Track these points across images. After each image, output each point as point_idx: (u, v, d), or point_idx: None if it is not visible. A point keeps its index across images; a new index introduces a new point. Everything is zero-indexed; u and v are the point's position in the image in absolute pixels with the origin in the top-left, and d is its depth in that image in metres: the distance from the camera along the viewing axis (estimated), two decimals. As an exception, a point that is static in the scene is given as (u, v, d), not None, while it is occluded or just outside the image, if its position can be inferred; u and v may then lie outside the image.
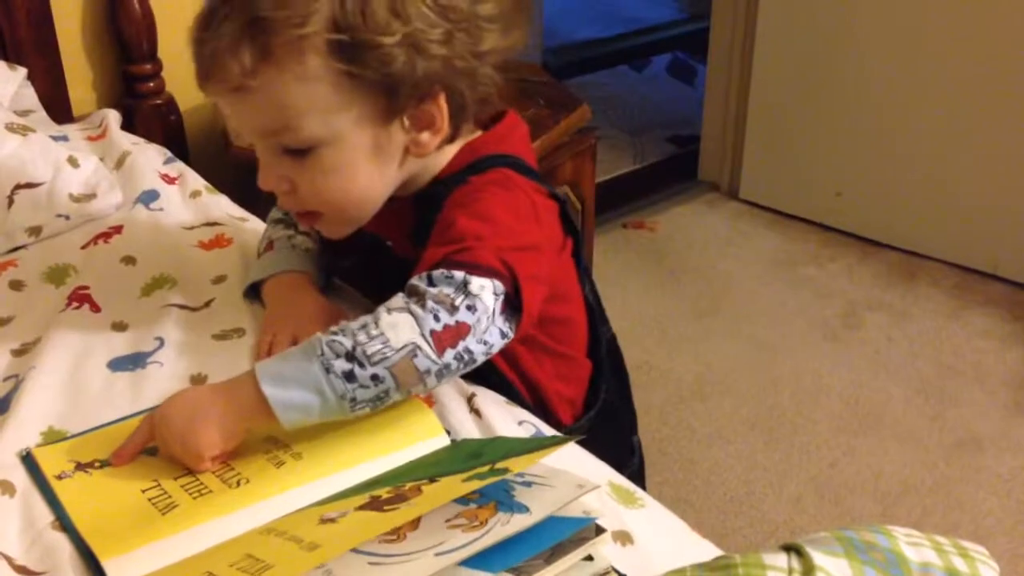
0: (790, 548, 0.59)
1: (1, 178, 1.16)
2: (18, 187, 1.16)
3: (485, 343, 0.76)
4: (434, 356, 0.73)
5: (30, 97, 1.43)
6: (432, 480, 0.67)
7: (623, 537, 0.71)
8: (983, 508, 1.59)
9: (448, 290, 0.74)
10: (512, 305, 0.78)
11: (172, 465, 0.75)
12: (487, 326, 0.76)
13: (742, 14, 2.43)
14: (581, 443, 0.79)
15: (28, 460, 0.77)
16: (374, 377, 0.72)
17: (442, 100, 0.81)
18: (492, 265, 0.77)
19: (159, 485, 0.73)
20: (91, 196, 1.21)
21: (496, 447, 0.73)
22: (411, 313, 0.73)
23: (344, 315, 0.92)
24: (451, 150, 0.88)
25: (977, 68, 2.09)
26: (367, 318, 0.74)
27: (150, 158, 1.35)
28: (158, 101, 1.63)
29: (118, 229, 1.18)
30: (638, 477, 1.07)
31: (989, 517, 1.57)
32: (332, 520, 0.65)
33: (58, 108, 1.50)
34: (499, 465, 0.65)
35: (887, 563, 0.58)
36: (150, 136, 1.48)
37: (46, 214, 1.18)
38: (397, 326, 0.73)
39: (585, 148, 1.71)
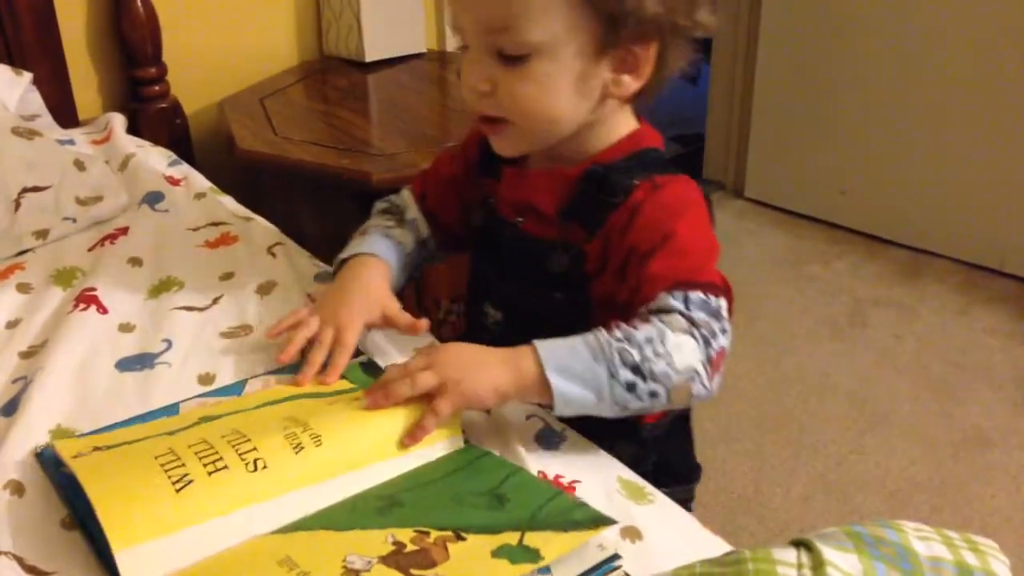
0: (800, 543, 0.59)
1: (8, 182, 1.16)
2: (25, 191, 1.17)
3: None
4: (708, 384, 0.77)
5: (36, 101, 1.43)
6: (458, 535, 0.67)
7: (632, 533, 0.71)
8: (992, 505, 1.58)
9: (705, 315, 0.77)
10: None
11: (187, 435, 0.75)
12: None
13: (745, 13, 2.43)
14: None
15: (43, 455, 0.77)
16: (652, 393, 0.75)
17: (653, 49, 0.83)
18: (720, 283, 0.80)
19: (172, 451, 0.71)
20: (97, 199, 1.22)
21: (518, 489, 0.72)
22: (694, 338, 0.76)
23: (395, 313, 0.92)
24: (620, 128, 0.88)
25: (981, 65, 2.09)
26: (652, 331, 0.76)
27: (155, 160, 1.36)
28: (163, 105, 1.63)
29: (124, 231, 1.18)
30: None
31: (998, 514, 1.57)
32: (356, 573, 0.63)
33: (64, 112, 1.51)
34: (530, 541, 0.65)
35: (897, 557, 0.58)
36: (156, 140, 1.49)
37: (53, 217, 1.18)
38: (682, 348, 0.75)
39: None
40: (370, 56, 1.83)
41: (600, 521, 0.68)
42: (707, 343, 0.76)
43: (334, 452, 0.74)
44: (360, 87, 1.77)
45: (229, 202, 1.27)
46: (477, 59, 0.83)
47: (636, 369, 0.74)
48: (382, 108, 1.71)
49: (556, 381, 0.74)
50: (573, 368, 0.75)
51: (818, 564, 0.57)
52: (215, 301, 1.02)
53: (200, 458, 0.70)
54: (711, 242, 0.84)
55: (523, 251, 0.89)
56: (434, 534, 0.67)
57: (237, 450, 0.71)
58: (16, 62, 1.45)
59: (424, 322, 0.90)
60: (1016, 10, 2.01)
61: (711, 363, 0.76)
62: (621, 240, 0.83)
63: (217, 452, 0.71)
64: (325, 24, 1.88)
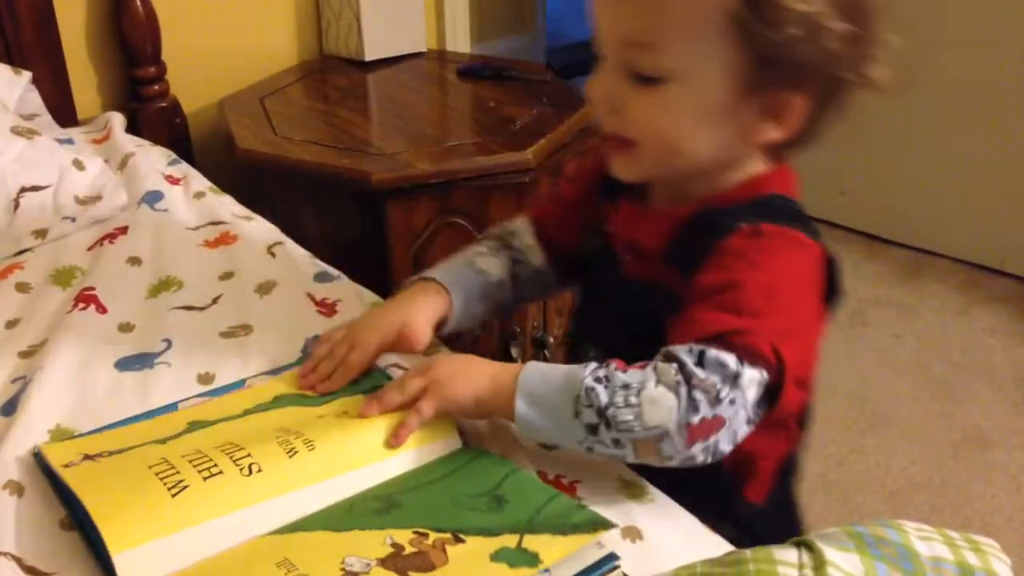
0: (801, 543, 0.59)
1: (7, 181, 1.16)
2: (24, 190, 1.17)
3: (734, 433, 0.71)
4: (680, 447, 0.69)
5: (35, 101, 1.43)
6: (456, 537, 0.67)
7: (632, 533, 0.71)
8: (992, 504, 1.58)
9: (716, 378, 0.69)
10: (769, 391, 0.72)
11: (179, 444, 0.75)
12: (742, 417, 0.71)
13: (745, 12, 2.43)
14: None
15: (38, 457, 0.77)
16: (615, 441, 0.70)
17: (806, 100, 0.75)
18: (765, 354, 0.70)
19: (165, 460, 0.72)
20: (97, 198, 1.22)
21: (517, 490, 0.72)
22: (677, 396, 0.68)
23: (407, 332, 0.86)
24: (751, 169, 0.81)
25: (981, 65, 2.08)
26: (636, 377, 0.70)
27: (153, 159, 1.35)
28: (163, 104, 1.63)
29: (123, 230, 1.18)
30: None
31: (998, 513, 1.56)
32: (355, 575, 0.63)
33: (63, 112, 1.51)
34: (529, 544, 0.65)
35: (899, 557, 0.58)
36: (156, 139, 1.48)
37: (52, 216, 1.18)
38: (657, 403, 0.69)
39: (588, 148, 1.71)
40: (370, 55, 1.83)
41: (600, 524, 0.67)
42: (693, 406, 0.68)
43: (328, 455, 0.74)
44: (360, 87, 1.77)
45: (229, 202, 1.26)
46: (610, 73, 0.76)
47: (601, 412, 0.69)
48: (382, 108, 1.71)
49: (519, 405, 0.72)
50: (542, 396, 0.73)
51: (819, 564, 0.57)
52: (215, 301, 1.02)
53: (194, 465, 0.71)
54: (789, 312, 0.74)
55: (624, 292, 0.84)
56: (433, 536, 0.67)
57: (231, 456, 0.72)
58: (16, 62, 1.45)
59: (418, 341, 0.86)
60: (1016, 10, 2.01)
61: (689, 427, 0.68)
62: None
63: (211, 459, 0.71)
64: (325, 23, 1.88)
